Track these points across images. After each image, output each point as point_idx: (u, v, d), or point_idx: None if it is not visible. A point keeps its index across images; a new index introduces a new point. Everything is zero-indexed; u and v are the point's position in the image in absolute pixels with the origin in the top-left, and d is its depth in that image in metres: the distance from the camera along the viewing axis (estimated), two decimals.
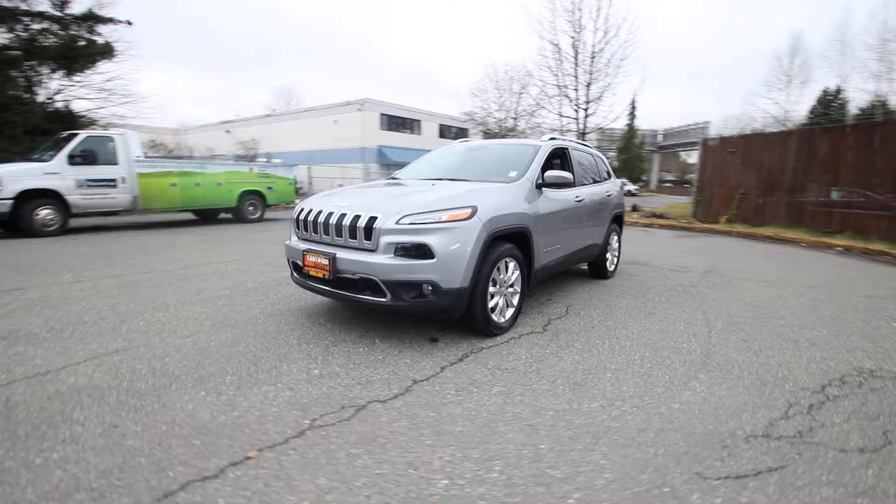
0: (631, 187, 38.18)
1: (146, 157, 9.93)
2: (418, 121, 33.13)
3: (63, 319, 3.47)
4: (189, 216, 12.19)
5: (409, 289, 2.83)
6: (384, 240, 2.86)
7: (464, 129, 35.34)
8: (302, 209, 3.39)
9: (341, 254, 2.97)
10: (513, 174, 3.78)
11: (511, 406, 2.32)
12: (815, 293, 4.98)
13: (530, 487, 1.70)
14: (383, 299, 2.87)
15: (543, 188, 3.79)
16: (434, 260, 2.80)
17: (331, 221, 3.09)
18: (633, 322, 3.77)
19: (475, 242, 2.92)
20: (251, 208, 11.60)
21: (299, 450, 1.89)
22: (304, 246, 3.24)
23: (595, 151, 5.49)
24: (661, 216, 15.21)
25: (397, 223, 2.85)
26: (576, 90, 18.37)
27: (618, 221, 5.63)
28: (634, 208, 18.46)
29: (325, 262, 3.01)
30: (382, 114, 30.59)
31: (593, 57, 18.02)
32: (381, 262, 2.83)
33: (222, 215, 12.24)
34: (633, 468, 1.83)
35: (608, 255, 5.35)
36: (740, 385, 2.63)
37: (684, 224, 13.34)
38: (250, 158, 22.38)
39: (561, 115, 19.57)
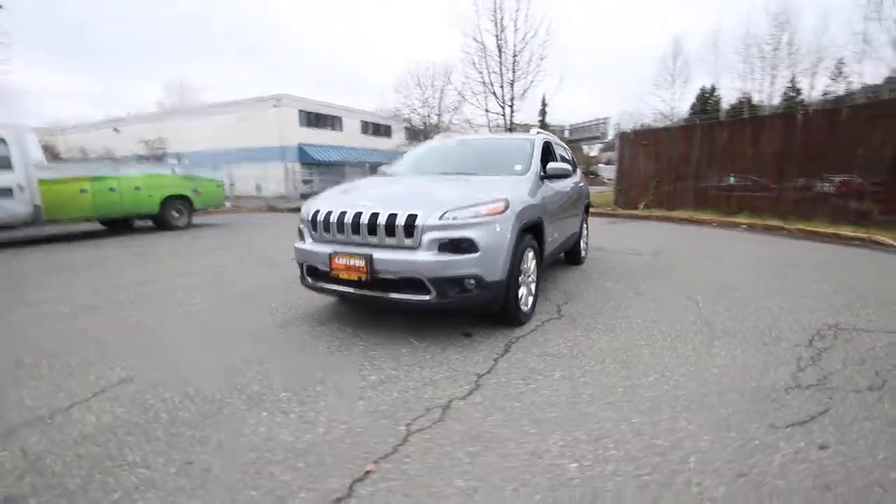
0: None
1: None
2: (339, 118, 32.05)
3: (27, 351, 2.92)
4: (92, 226, 10.71)
5: (454, 285, 2.80)
6: (427, 236, 2.81)
7: (387, 126, 34.93)
8: (318, 210, 3.19)
9: (378, 254, 2.85)
10: (518, 167, 3.88)
11: (581, 388, 2.42)
12: (753, 266, 5.74)
13: (650, 458, 1.81)
14: (427, 297, 2.82)
15: (545, 180, 3.94)
16: (478, 254, 2.80)
17: (362, 221, 2.94)
18: (630, 302, 4.07)
19: (511, 235, 2.98)
20: (176, 214, 10.48)
21: (415, 456, 1.82)
22: (327, 248, 3.06)
23: (564, 144, 5.80)
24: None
25: (440, 219, 2.81)
26: (501, 87, 19.04)
27: (587, 210, 6.01)
28: None
29: (361, 263, 2.87)
30: (301, 110, 29.10)
31: (515, 56, 18.79)
32: (426, 259, 2.77)
33: (137, 223, 10.92)
34: (719, 428, 2.02)
35: (582, 243, 5.69)
36: (750, 347, 2.99)
37: (609, 211, 14.50)
38: (157, 159, 20.14)
39: (487, 111, 20.16)
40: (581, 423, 2.07)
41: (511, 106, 19.39)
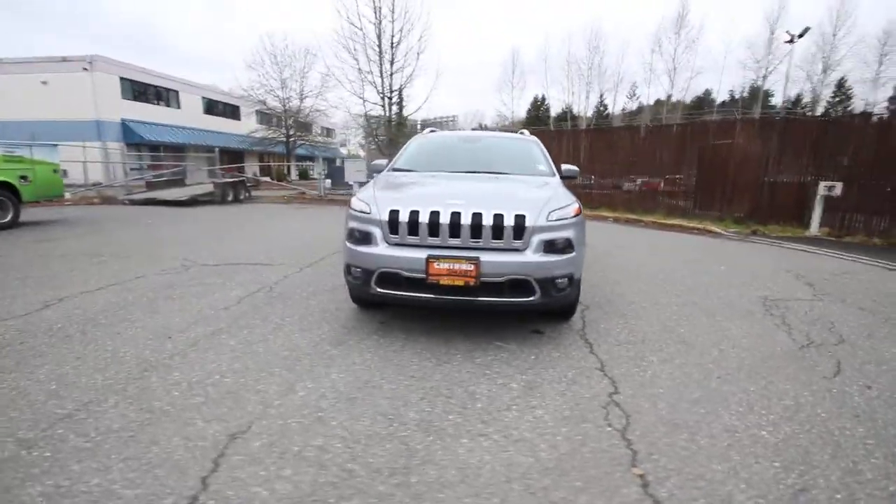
0: None
1: None
2: (176, 91, 27.18)
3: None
4: None
5: (555, 284, 2.88)
6: (536, 238, 2.81)
7: (235, 107, 31.04)
8: (396, 209, 2.88)
9: (486, 256, 2.74)
10: (541, 167, 4.08)
11: (686, 368, 2.78)
12: (670, 255, 7.01)
13: (808, 413, 2.24)
14: (531, 298, 2.83)
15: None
16: (574, 254, 2.93)
17: (463, 222, 2.78)
18: (626, 287, 4.65)
19: (585, 234, 3.17)
20: None
21: (668, 454, 1.90)
22: (418, 253, 2.79)
23: None
24: None
25: (547, 220, 2.84)
26: (381, 77, 18.76)
27: None
28: None
29: (470, 267, 2.72)
30: (123, 78, 23.75)
31: (394, 46, 18.70)
32: (535, 260, 2.78)
33: None
34: (794, 383, 2.58)
35: None
36: (734, 319, 3.76)
37: None
38: None
39: (365, 100, 19.67)
40: (727, 396, 2.42)
41: (391, 98, 19.25)
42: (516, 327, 3.34)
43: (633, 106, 50.75)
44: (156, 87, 25.67)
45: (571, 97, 50.24)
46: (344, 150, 46.59)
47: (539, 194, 3.17)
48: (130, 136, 23.25)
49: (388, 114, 19.73)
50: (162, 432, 1.96)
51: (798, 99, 41.78)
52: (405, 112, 20.51)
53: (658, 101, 48.70)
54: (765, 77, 41.62)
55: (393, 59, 18.83)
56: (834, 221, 9.68)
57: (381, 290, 2.95)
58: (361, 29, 18.28)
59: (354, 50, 18.80)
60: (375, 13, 18.11)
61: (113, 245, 6.55)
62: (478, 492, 1.64)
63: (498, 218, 2.79)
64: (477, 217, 2.79)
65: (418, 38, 18.84)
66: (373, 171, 4.52)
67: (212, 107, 30.10)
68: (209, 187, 14.80)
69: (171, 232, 8.09)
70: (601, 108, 50.03)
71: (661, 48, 44.34)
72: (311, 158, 38.16)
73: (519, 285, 2.81)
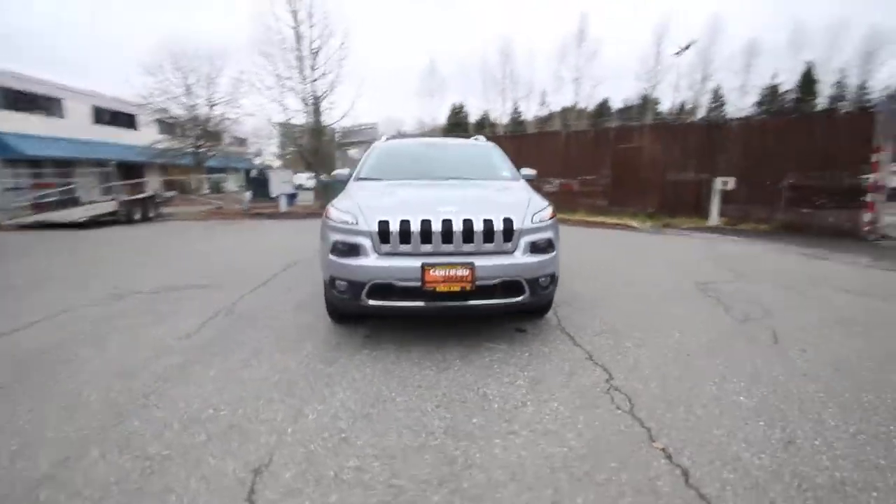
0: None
1: None
2: (59, 100, 23.92)
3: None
4: None
5: (539, 283, 3.03)
6: (524, 240, 2.94)
7: (130, 116, 28.09)
8: (385, 220, 2.85)
9: (479, 261, 2.82)
10: (506, 173, 4.24)
11: (660, 350, 3.07)
12: (604, 250, 7.58)
13: (768, 377, 2.59)
14: (520, 298, 2.96)
15: None
16: (554, 253, 3.11)
17: (455, 229, 2.83)
18: (580, 285, 4.97)
19: (559, 234, 3.38)
20: None
21: (676, 426, 2.11)
22: (412, 261, 2.79)
23: None
24: None
25: (532, 222, 2.98)
26: (303, 83, 18.12)
27: None
28: None
29: (465, 272, 2.77)
30: None
31: (314, 52, 18.18)
32: (524, 261, 2.92)
33: None
34: (752, 345, 2.99)
35: None
36: (686, 303, 4.22)
37: None
38: None
39: (285, 107, 18.86)
40: (702, 371, 2.71)
41: (315, 105, 18.63)
42: (500, 328, 3.45)
43: (545, 112, 53.95)
44: (35, 94, 22.35)
45: (488, 104, 52.14)
46: (259, 161, 44.10)
47: (518, 197, 3.32)
48: (6, 151, 20.01)
49: (312, 121, 19.06)
50: (173, 478, 1.78)
51: (683, 106, 47.17)
52: (330, 120, 19.94)
53: (565, 109, 52.24)
54: (654, 86, 46.37)
55: (314, 65, 18.27)
56: (729, 212, 11.11)
57: (373, 303, 2.90)
58: (279, 33, 17.54)
59: (272, 55, 17.97)
60: (293, 17, 17.48)
61: (24, 275, 5.66)
62: (530, 486, 1.71)
63: (488, 223, 2.88)
64: (468, 223, 2.86)
65: (339, 45, 18.48)
66: (336, 181, 4.41)
67: (103, 116, 26.88)
68: (112, 205, 13.21)
69: (83, 257, 7.16)
70: (516, 115, 52.51)
71: (566, 60, 47.59)
72: (223, 170, 35.66)
73: (510, 286, 2.92)
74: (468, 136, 5.07)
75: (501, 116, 51.44)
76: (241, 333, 3.42)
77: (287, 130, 28.33)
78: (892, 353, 2.99)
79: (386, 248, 2.88)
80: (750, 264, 6.01)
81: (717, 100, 47.40)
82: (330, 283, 3.07)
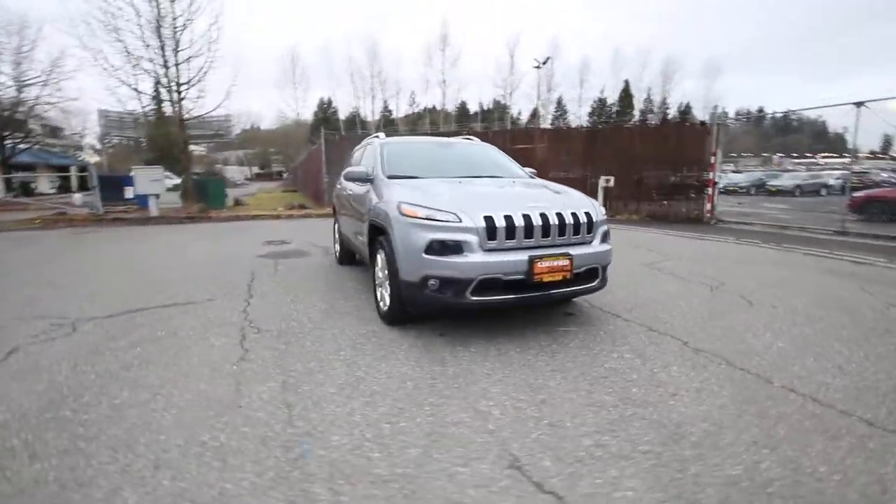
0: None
1: None
2: None
3: None
4: None
5: (605, 269, 3.40)
6: (599, 230, 3.26)
7: None
8: (489, 216, 2.90)
9: (573, 251, 3.06)
10: (520, 171, 4.50)
11: (686, 316, 3.71)
12: None
13: (781, 324, 3.38)
14: (594, 283, 3.29)
15: None
16: (610, 243, 3.51)
17: (551, 223, 3.01)
18: None
19: None
20: None
21: (766, 368, 2.67)
22: (519, 255, 2.90)
23: None
24: (301, 206, 16.29)
25: (601, 215, 3.31)
26: (165, 67, 15.60)
27: None
28: (238, 202, 18.27)
29: (566, 262, 2.98)
30: None
31: (176, 31, 15.80)
32: (601, 249, 3.25)
33: None
34: (737, 307, 3.84)
35: None
36: (656, 277, 5.07)
37: (327, 212, 15.14)
38: None
39: (139, 92, 16.04)
40: (725, 329, 3.40)
41: (179, 91, 16.14)
42: (550, 315, 3.72)
43: (414, 111, 55.25)
44: None
45: (358, 101, 51.29)
46: (81, 156, 36.30)
47: (575, 194, 3.63)
48: None
49: (176, 111, 16.48)
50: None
51: (534, 112, 52.90)
52: (200, 110, 17.45)
53: (432, 110, 54.15)
54: (511, 93, 51.09)
55: (177, 47, 15.83)
56: (609, 205, 13.12)
57: (476, 298, 2.93)
58: (132, 5, 14.70)
59: (117, 28, 15.00)
60: None
61: None
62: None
63: (575, 216, 3.14)
64: (560, 217, 3.07)
65: (210, 25, 16.31)
66: (350, 179, 4.16)
67: None
68: None
69: None
70: (387, 113, 52.72)
71: (432, 62, 49.45)
72: (32, 167, 28.56)
73: (591, 273, 3.23)
74: (336, 132, 5.07)
75: (373, 114, 51.05)
76: (306, 350, 3.07)
77: (119, 121, 23.98)
78: (829, 298, 4.09)
79: (492, 244, 2.92)
80: (659, 246, 7.33)
81: (560, 108, 54.34)
82: (420, 284, 2.98)
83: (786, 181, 24.94)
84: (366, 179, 4.08)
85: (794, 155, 54.97)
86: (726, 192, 20.64)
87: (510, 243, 2.97)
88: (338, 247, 6.17)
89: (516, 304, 3.21)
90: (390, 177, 3.90)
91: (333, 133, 19.72)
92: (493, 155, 4.77)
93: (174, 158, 19.19)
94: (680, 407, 2.27)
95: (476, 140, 5.17)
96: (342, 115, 51.59)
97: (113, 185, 15.03)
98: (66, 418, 2.20)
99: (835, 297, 4.25)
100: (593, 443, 1.97)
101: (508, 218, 2.94)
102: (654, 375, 2.62)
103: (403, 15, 69.98)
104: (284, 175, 60.22)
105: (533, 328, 3.39)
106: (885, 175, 22.10)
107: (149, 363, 2.87)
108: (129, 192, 14.61)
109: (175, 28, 15.75)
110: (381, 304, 3.63)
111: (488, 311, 3.57)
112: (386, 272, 3.46)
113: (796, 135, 67.54)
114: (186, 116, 16.70)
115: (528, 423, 2.13)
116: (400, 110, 54.66)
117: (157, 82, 16.67)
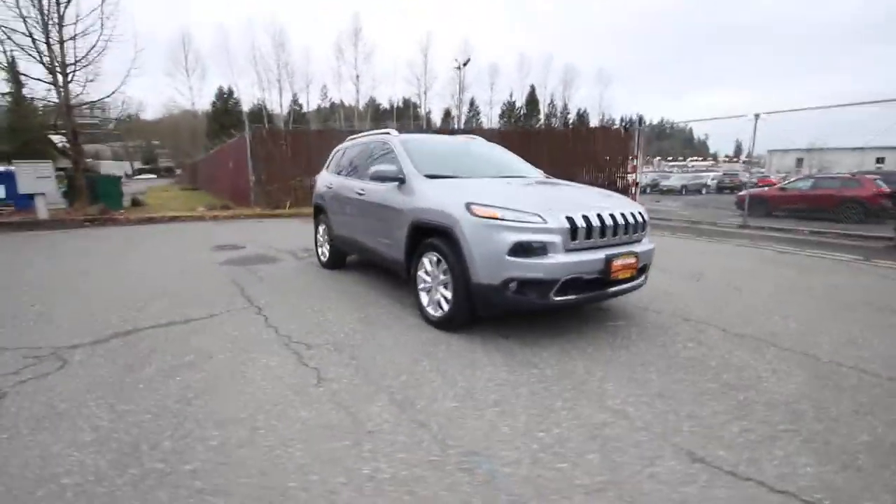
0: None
1: None
2: None
3: None
4: None
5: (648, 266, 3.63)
6: (647, 229, 3.46)
7: None
8: (571, 217, 2.93)
9: (636, 248, 3.22)
10: (535, 171, 4.60)
11: (710, 297, 4.12)
12: None
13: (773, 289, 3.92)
14: (640, 280, 3.50)
15: None
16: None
17: (619, 222, 3.13)
18: None
19: None
20: None
21: (784, 339, 3.08)
22: (596, 254, 2.98)
23: None
24: (226, 207, 14.83)
25: (647, 215, 3.53)
26: (47, 43, 13.14)
27: None
28: (136, 202, 16.17)
29: (633, 260, 3.14)
30: None
31: (61, 4, 13.40)
32: (651, 247, 3.46)
33: None
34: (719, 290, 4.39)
35: None
36: None
37: (259, 213, 14.01)
38: None
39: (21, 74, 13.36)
40: (738, 306, 3.86)
41: (65, 74, 13.65)
42: (583, 311, 3.88)
43: (327, 105, 53.13)
44: None
45: (263, 92, 47.95)
46: None
47: (617, 195, 3.81)
48: None
49: (62, 96, 13.91)
50: None
51: (448, 112, 53.88)
52: (92, 95, 14.89)
53: (342, 104, 52.49)
54: (425, 92, 51.44)
55: (62, 20, 13.36)
56: None
57: (558, 299, 2.97)
58: None
59: None
60: None
61: None
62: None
63: (634, 216, 3.30)
64: (624, 216, 3.21)
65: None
66: (376, 178, 3.93)
67: None
68: None
69: None
70: (296, 107, 49.96)
71: (344, 56, 47.93)
72: None
73: (642, 269, 3.43)
74: (241, 124, 4.94)
75: (281, 107, 48.07)
76: (376, 366, 2.84)
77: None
78: (790, 283, 4.80)
79: (574, 244, 2.97)
80: None
81: (473, 109, 56.00)
82: (500, 287, 2.93)
83: (674, 182, 28.51)
84: (395, 179, 3.88)
85: (669, 158, 63.00)
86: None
87: (588, 243, 3.04)
88: (322, 249, 5.76)
89: (587, 302, 3.29)
90: (430, 176, 3.76)
91: (259, 126, 18.18)
92: (507, 155, 4.81)
93: (36, 151, 16.11)
94: (774, 387, 2.53)
95: (479, 139, 5.17)
96: (246, 107, 47.72)
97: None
98: (164, 472, 1.80)
99: (793, 282, 5.01)
100: (740, 429, 2.12)
101: (587, 218, 3.01)
102: (729, 361, 2.88)
103: (312, 4, 66.66)
104: (177, 171, 54.19)
105: (580, 325, 3.50)
106: (747, 176, 26.44)
107: (209, 393, 2.45)
108: None
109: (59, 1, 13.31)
110: (430, 308, 3.49)
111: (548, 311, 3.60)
112: (440, 276, 3.35)
113: (669, 140, 77.50)
114: (75, 102, 14.21)
115: (668, 417, 2.22)
116: (311, 104, 52.19)
117: (50, 65, 13.95)
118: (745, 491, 1.71)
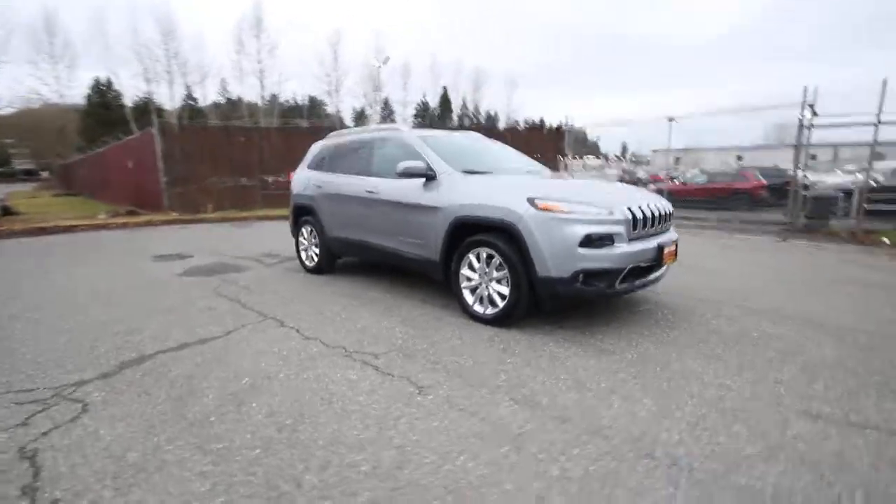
0: None
1: None
2: None
3: None
4: None
5: None
6: (672, 220, 3.75)
7: None
8: (631, 208, 3.08)
9: (672, 236, 3.48)
10: (540, 166, 4.72)
11: (717, 286, 4.58)
12: None
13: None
14: (664, 268, 3.80)
15: None
16: None
17: (657, 213, 3.34)
18: None
19: None
20: None
21: (784, 335, 3.58)
22: (649, 243, 3.17)
23: None
24: (133, 213, 12.98)
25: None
26: None
27: None
28: (7, 211, 13.63)
29: (674, 247, 3.38)
30: None
31: None
32: (677, 236, 3.75)
33: None
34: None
35: None
36: None
37: (178, 218, 12.51)
38: None
39: None
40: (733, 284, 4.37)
41: None
42: (610, 302, 4.09)
43: (225, 99, 49.01)
44: None
45: (149, 85, 42.75)
46: None
47: (637, 188, 4.05)
48: None
49: None
50: None
51: (362, 111, 52.74)
52: None
53: (241, 100, 48.89)
54: (336, 90, 49.74)
55: None
56: None
57: (621, 286, 3.10)
58: None
59: None
60: None
61: None
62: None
63: (665, 207, 3.54)
64: (658, 208, 3.43)
65: None
66: (407, 175, 3.76)
67: None
68: None
69: None
70: (191, 102, 45.36)
71: (245, 48, 44.51)
72: None
73: None
74: (273, 130, 4.78)
75: (172, 101, 43.22)
76: (458, 375, 2.73)
77: None
78: (763, 265, 5.51)
79: (634, 234, 3.11)
80: None
81: (387, 109, 55.49)
82: (571, 278, 2.98)
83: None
84: (423, 175, 3.74)
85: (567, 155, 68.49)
86: None
87: (643, 232, 3.22)
88: (308, 253, 5.33)
89: (640, 288, 3.45)
90: (467, 172, 3.69)
91: (171, 122, 16.18)
92: (513, 151, 4.87)
93: None
94: (831, 353, 2.86)
95: (478, 135, 5.16)
96: (129, 101, 42.17)
97: None
98: None
99: (748, 261, 5.76)
100: (823, 387, 2.41)
101: (641, 210, 3.18)
102: (769, 335, 3.21)
103: None
104: (42, 174, 46.04)
105: (615, 311, 3.70)
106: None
107: (308, 416, 2.16)
108: None
109: None
110: (477, 306, 3.44)
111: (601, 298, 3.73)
112: (493, 272, 3.30)
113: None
114: None
115: (763, 386, 2.44)
116: (208, 99, 47.68)
117: None
118: (868, 437, 1.95)
